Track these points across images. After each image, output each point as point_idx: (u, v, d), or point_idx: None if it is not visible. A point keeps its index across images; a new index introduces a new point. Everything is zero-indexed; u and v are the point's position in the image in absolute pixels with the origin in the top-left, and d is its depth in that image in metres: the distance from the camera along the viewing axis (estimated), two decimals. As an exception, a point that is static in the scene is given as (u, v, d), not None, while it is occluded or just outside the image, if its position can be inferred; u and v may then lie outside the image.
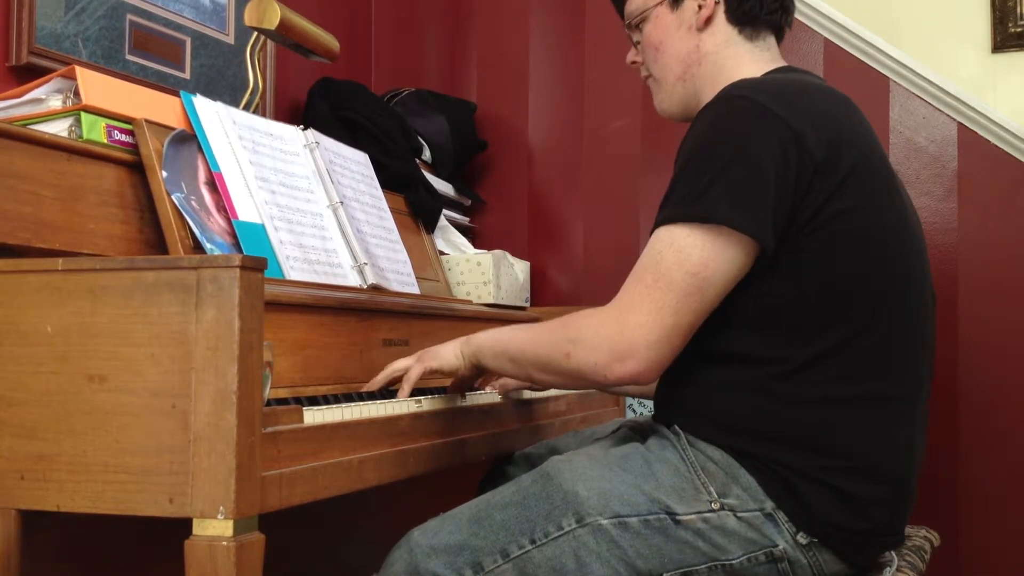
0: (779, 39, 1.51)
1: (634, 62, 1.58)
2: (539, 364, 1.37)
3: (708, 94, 1.40)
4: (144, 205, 1.48)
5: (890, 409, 1.31)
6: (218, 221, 1.55)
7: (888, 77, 2.40)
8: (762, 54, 1.47)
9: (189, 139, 1.57)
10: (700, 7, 1.46)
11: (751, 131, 1.27)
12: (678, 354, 1.28)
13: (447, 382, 1.59)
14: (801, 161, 1.25)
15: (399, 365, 1.50)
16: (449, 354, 1.48)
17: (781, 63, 1.48)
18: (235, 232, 1.54)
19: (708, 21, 1.47)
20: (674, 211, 1.28)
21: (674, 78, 1.51)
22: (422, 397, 1.49)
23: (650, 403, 2.41)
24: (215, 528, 1.04)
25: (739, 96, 1.31)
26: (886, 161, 1.38)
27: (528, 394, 1.80)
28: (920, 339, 1.37)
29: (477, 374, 1.51)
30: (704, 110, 1.34)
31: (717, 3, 1.46)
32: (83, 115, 1.45)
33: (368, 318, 1.57)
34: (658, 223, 1.29)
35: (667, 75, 1.51)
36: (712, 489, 1.28)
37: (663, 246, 1.27)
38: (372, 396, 1.47)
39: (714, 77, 1.46)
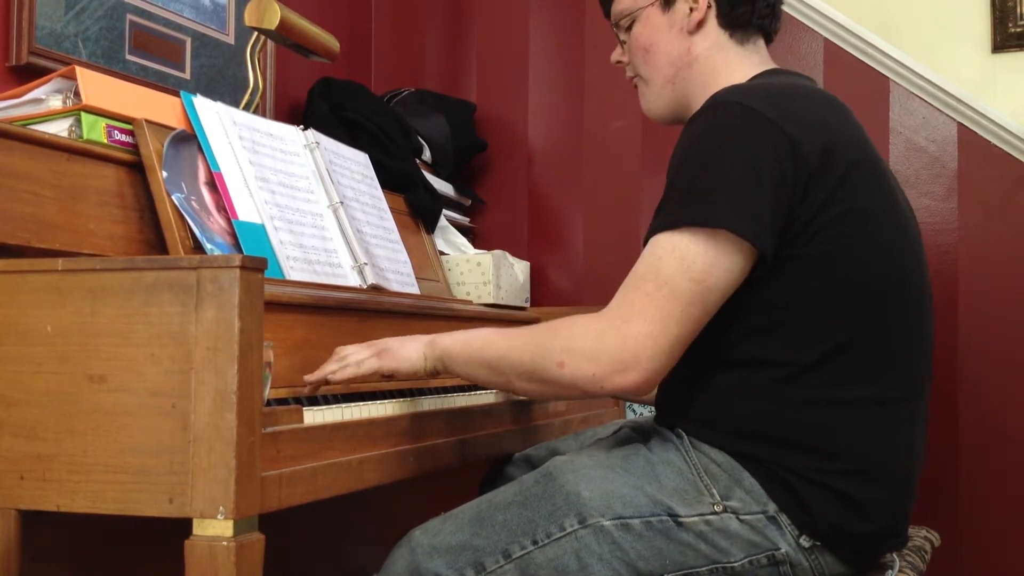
0: (768, 42, 1.50)
1: (619, 62, 1.56)
2: (524, 372, 1.30)
3: (698, 97, 1.39)
4: (144, 205, 1.48)
5: (890, 411, 1.31)
6: (218, 221, 1.55)
7: (888, 77, 2.40)
8: (752, 57, 1.47)
9: (189, 139, 1.57)
10: (692, 10, 1.45)
11: (745, 137, 1.25)
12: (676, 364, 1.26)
13: (449, 382, 1.58)
14: (797, 166, 1.24)
15: (353, 358, 1.39)
16: (411, 355, 1.39)
17: (770, 65, 1.47)
18: (235, 232, 1.54)
19: (700, 24, 1.45)
20: (672, 217, 1.25)
21: (664, 80, 1.49)
22: (423, 397, 1.49)
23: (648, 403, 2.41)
24: (215, 528, 1.04)
25: (731, 102, 1.29)
26: (881, 162, 1.37)
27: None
28: (919, 340, 1.36)
29: (435, 376, 1.43)
30: (695, 117, 1.32)
31: (709, 7, 1.45)
32: (83, 115, 1.45)
33: (368, 318, 1.56)
34: (654, 230, 1.26)
35: (657, 77, 1.50)
36: (715, 491, 1.27)
37: (663, 252, 1.24)
38: (372, 396, 1.47)
39: (705, 80, 1.45)
